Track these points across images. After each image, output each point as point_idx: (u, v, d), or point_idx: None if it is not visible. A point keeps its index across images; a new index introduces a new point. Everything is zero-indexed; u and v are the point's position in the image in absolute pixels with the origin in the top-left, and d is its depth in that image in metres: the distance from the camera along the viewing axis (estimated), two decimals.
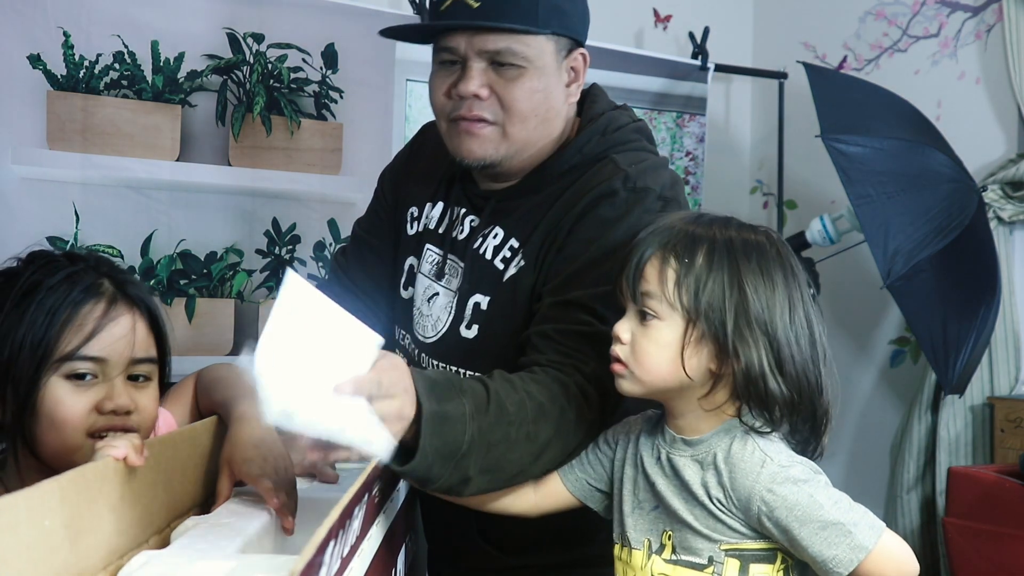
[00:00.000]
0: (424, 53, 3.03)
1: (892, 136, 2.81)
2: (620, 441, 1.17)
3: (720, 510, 1.05)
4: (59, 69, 2.41)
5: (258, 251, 2.68)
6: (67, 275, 1.07)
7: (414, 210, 1.47)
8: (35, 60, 2.38)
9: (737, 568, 1.05)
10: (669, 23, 3.64)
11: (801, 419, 1.07)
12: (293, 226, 2.72)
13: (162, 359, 1.15)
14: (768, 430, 1.06)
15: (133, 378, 1.10)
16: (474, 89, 1.26)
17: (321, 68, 2.73)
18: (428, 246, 1.42)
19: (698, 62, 3.45)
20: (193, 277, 2.59)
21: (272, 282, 2.69)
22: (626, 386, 1.09)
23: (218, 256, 2.63)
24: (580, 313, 1.19)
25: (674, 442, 1.11)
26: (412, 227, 1.47)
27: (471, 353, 1.32)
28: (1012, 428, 2.88)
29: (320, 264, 2.75)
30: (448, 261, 1.38)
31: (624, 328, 1.08)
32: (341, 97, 2.76)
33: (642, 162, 1.32)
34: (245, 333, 2.66)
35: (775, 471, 1.03)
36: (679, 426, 1.11)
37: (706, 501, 1.06)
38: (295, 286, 0.89)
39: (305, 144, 2.72)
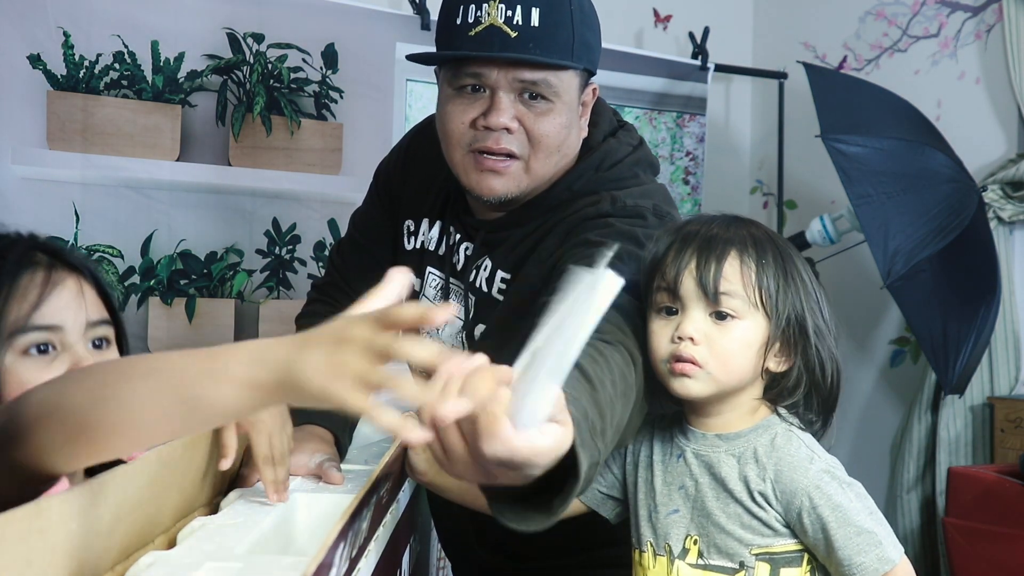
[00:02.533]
0: None
1: (892, 136, 2.81)
2: (631, 447, 1.16)
3: (760, 505, 1.05)
4: (59, 69, 2.40)
5: (258, 251, 2.68)
6: None
7: (410, 223, 1.43)
8: (35, 60, 2.38)
9: (768, 572, 1.05)
10: (669, 23, 3.64)
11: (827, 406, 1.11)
12: (293, 226, 2.72)
13: (117, 323, 1.07)
14: (803, 428, 1.09)
15: (96, 346, 1.03)
16: (506, 122, 1.21)
17: (321, 68, 2.72)
18: (430, 269, 1.39)
19: (698, 62, 3.45)
20: (193, 277, 2.59)
21: (272, 282, 2.69)
22: (696, 387, 1.06)
23: (218, 256, 2.62)
24: None
25: (704, 439, 1.10)
26: (409, 242, 1.43)
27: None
28: (1012, 428, 2.88)
29: (320, 264, 2.75)
30: (452, 287, 1.36)
31: (695, 329, 1.05)
32: (341, 97, 2.76)
33: (634, 195, 1.27)
34: (245, 333, 2.66)
35: (824, 468, 1.06)
36: (712, 424, 1.10)
37: (744, 496, 1.05)
38: (612, 287, 0.71)
39: (305, 144, 2.72)
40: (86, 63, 2.43)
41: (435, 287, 1.38)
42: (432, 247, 1.39)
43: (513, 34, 1.18)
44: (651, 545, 1.10)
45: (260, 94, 2.62)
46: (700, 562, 1.07)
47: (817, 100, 2.84)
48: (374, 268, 1.46)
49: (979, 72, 3.16)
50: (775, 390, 1.09)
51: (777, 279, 1.05)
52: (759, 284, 1.05)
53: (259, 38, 2.64)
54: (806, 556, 1.07)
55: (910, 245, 2.64)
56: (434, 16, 2.85)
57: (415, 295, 1.40)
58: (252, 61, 2.63)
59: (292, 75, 2.69)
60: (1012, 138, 3.06)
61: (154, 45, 2.52)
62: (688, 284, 1.05)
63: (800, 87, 3.15)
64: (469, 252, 1.34)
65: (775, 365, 1.07)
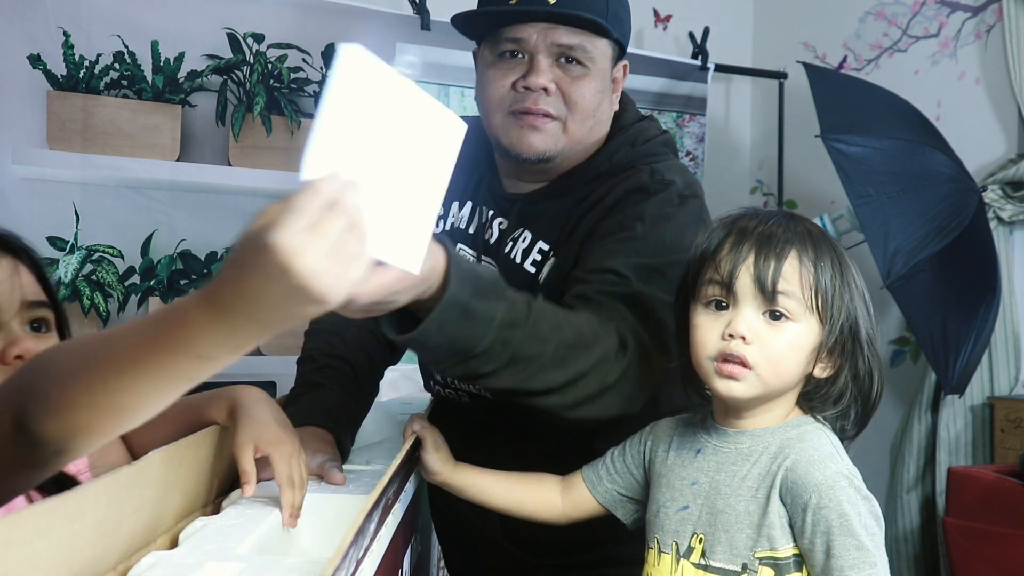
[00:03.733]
0: (423, 54, 3.02)
1: (892, 136, 2.81)
2: (649, 445, 1.15)
3: (770, 500, 1.01)
4: (59, 69, 2.40)
5: None
6: None
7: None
8: (35, 60, 2.38)
9: None
10: (669, 23, 3.65)
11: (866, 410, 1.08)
12: None
13: (57, 308, 1.04)
14: (847, 427, 1.07)
15: (34, 328, 1.00)
16: (544, 83, 1.27)
17: (321, 68, 2.72)
18: (460, 246, 1.41)
19: (698, 62, 3.45)
20: (193, 277, 2.59)
21: None
22: (741, 389, 1.02)
23: (218, 256, 2.62)
24: (615, 277, 1.18)
25: (727, 435, 1.07)
26: (437, 225, 1.45)
27: None
28: (1012, 428, 2.88)
29: None
30: (483, 264, 1.38)
31: (747, 327, 1.01)
32: None
33: (667, 168, 1.34)
34: None
35: (844, 472, 1.01)
36: (742, 423, 1.07)
37: (756, 491, 1.02)
38: (356, 61, 0.67)
39: (305, 144, 2.72)
40: (86, 63, 2.43)
41: None
42: (462, 226, 1.42)
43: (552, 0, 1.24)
44: (658, 542, 1.07)
45: (260, 94, 2.62)
46: (702, 562, 1.03)
47: (817, 100, 2.84)
48: None
49: (979, 72, 3.16)
50: (816, 396, 1.06)
51: (834, 282, 1.02)
52: (816, 286, 1.01)
53: (259, 38, 2.64)
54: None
55: (910, 245, 2.64)
56: (434, 16, 2.85)
57: None
58: (252, 61, 2.63)
59: (292, 75, 2.68)
60: (1012, 138, 3.06)
61: (154, 45, 2.52)
62: (744, 280, 1.01)
63: (800, 87, 3.15)
64: (503, 226, 1.37)
65: (820, 371, 1.04)
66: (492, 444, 1.25)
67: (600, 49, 1.29)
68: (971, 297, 2.74)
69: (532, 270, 1.32)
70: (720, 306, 1.03)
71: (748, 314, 1.01)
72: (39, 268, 1.03)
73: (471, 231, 1.41)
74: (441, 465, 1.17)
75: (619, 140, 1.35)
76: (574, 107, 1.29)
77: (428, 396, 1.55)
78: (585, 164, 1.35)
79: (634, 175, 1.29)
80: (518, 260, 1.33)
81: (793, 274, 1.01)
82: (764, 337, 1.00)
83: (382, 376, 1.47)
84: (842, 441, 1.08)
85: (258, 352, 2.67)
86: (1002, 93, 3.09)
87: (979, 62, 3.16)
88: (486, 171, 1.41)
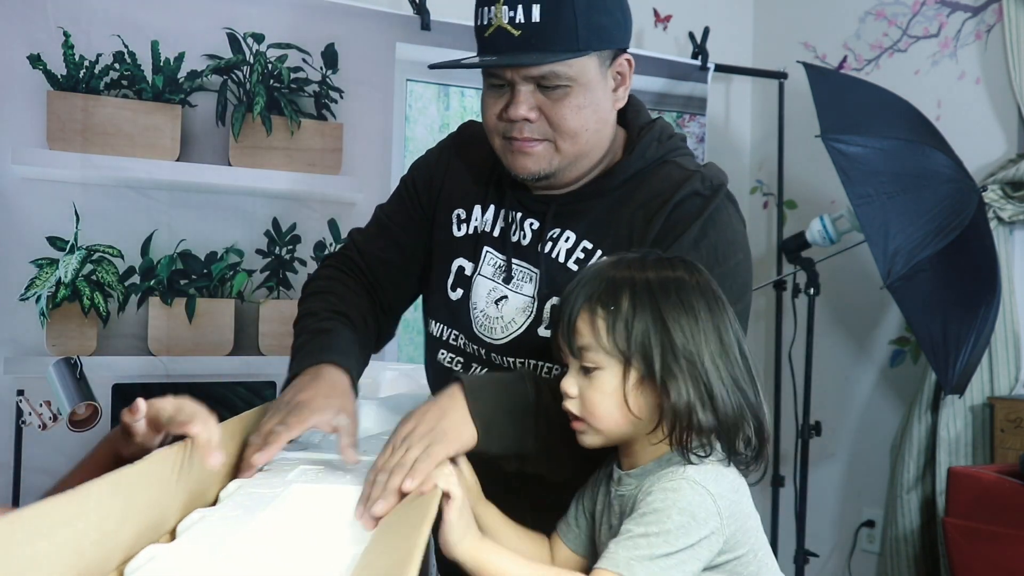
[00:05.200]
0: (423, 54, 3.03)
1: (892, 136, 2.81)
2: (589, 491, 1.20)
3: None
4: (59, 69, 2.40)
5: (258, 251, 2.68)
6: None
7: (460, 212, 1.48)
8: (35, 60, 2.38)
9: None
10: (669, 23, 3.65)
11: (740, 442, 1.08)
12: (293, 226, 2.71)
13: None
14: (703, 455, 1.07)
15: None
16: (523, 113, 1.31)
17: (321, 68, 2.72)
18: (487, 249, 1.44)
19: (698, 62, 3.45)
20: (193, 277, 2.59)
21: (272, 282, 2.69)
22: (588, 440, 1.12)
23: (218, 256, 2.62)
24: None
25: (623, 479, 1.13)
26: (460, 229, 1.48)
27: (550, 349, 1.34)
28: (1012, 428, 2.88)
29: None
30: (514, 266, 1.41)
31: (571, 384, 1.11)
32: (341, 97, 2.76)
33: (701, 164, 1.40)
34: (245, 333, 2.66)
35: (689, 482, 1.04)
36: (627, 463, 1.14)
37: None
38: None
39: (305, 144, 2.72)
40: (86, 63, 2.43)
41: (494, 266, 1.43)
42: (488, 229, 1.45)
43: (516, 33, 1.27)
44: None
45: (260, 94, 2.62)
46: None
47: (817, 100, 2.84)
48: (396, 255, 1.54)
49: (979, 72, 3.16)
50: (675, 431, 1.08)
51: (628, 321, 1.07)
52: (608, 331, 1.07)
53: (259, 38, 2.64)
54: None
55: (910, 245, 2.64)
56: (434, 16, 2.86)
57: (467, 277, 1.45)
58: (252, 61, 2.63)
59: (292, 75, 2.69)
60: (1012, 138, 3.06)
61: (154, 45, 2.52)
62: (561, 345, 1.12)
63: (800, 87, 3.15)
64: (536, 227, 1.41)
65: (639, 407, 1.08)
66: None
67: (578, 66, 1.30)
68: (971, 297, 2.74)
69: (575, 268, 1.36)
70: (565, 366, 1.14)
71: (571, 374, 1.12)
72: None
73: (496, 234, 1.44)
74: (463, 534, 1.06)
75: (649, 136, 1.40)
76: (558, 128, 1.32)
77: (426, 390, 1.54)
78: (622, 163, 1.39)
79: (680, 180, 1.34)
80: (561, 259, 1.37)
81: (585, 328, 1.09)
82: (583, 391, 1.10)
83: (379, 340, 1.54)
84: (746, 473, 1.10)
85: (258, 352, 2.67)
86: (1002, 93, 3.09)
87: (979, 62, 3.16)
88: (504, 173, 1.43)
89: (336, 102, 2.76)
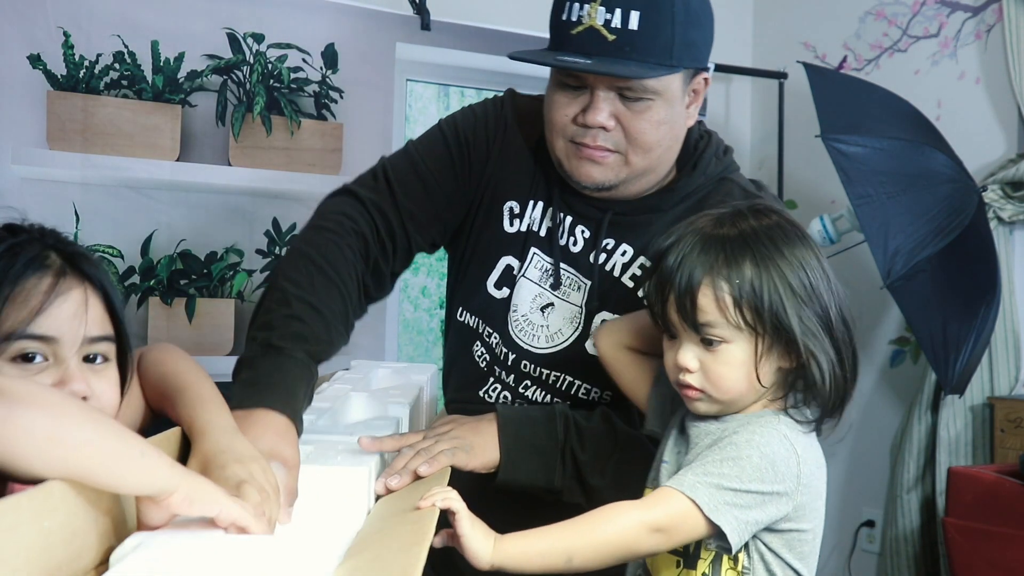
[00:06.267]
0: (423, 54, 3.02)
1: (892, 136, 2.80)
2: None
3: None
4: (59, 69, 2.40)
5: (258, 251, 2.68)
6: (8, 247, 0.95)
7: (514, 205, 1.40)
8: (35, 60, 2.38)
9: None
10: None
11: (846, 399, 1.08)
12: (293, 226, 2.72)
13: (120, 338, 1.01)
14: (802, 418, 1.07)
15: (90, 359, 0.97)
16: (602, 121, 1.24)
17: (321, 68, 2.73)
18: (535, 250, 1.38)
19: None
20: (193, 277, 2.59)
21: None
22: (703, 407, 1.09)
23: (218, 256, 2.63)
24: None
25: (703, 421, 1.11)
26: (512, 224, 1.40)
27: (595, 369, 1.30)
28: (1012, 428, 2.88)
29: None
30: (563, 272, 1.36)
31: (690, 357, 1.07)
32: (341, 97, 2.76)
33: (750, 182, 1.39)
34: (245, 333, 2.66)
35: (784, 439, 1.04)
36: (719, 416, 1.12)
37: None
38: None
39: (305, 144, 2.72)
40: (86, 63, 2.44)
41: (541, 269, 1.37)
42: (536, 229, 1.38)
43: (611, 37, 1.20)
44: None
45: (260, 94, 2.63)
46: None
47: (817, 100, 2.84)
48: (430, 202, 1.39)
49: (979, 72, 3.16)
50: (789, 391, 1.09)
51: (754, 293, 1.03)
52: (736, 306, 1.04)
53: (259, 38, 2.64)
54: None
55: (910, 245, 2.64)
56: (434, 16, 2.85)
57: (512, 277, 1.38)
58: (252, 61, 2.64)
59: (292, 75, 2.69)
60: (1012, 138, 3.06)
61: (154, 45, 2.52)
62: (674, 319, 1.07)
63: (800, 87, 3.15)
64: (587, 235, 1.35)
65: (766, 376, 1.06)
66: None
67: (665, 82, 1.24)
68: (971, 297, 2.73)
69: (631, 284, 1.32)
70: (672, 336, 1.10)
71: (688, 346, 1.07)
72: (109, 298, 1.00)
73: (543, 234, 1.38)
74: (484, 540, 1.00)
75: (709, 152, 1.37)
76: (634, 142, 1.26)
77: (417, 385, 1.49)
78: (685, 179, 1.34)
79: (738, 200, 1.28)
80: (616, 274, 1.33)
81: (709, 304, 1.04)
82: (706, 363, 1.06)
83: (367, 301, 1.38)
84: (819, 432, 1.10)
85: None
86: (1002, 93, 3.08)
87: (979, 62, 3.16)
88: (551, 169, 1.36)
89: (336, 102, 2.76)
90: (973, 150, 2.98)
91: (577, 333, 1.34)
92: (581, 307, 1.34)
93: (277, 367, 1.18)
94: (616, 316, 1.31)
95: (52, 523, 0.70)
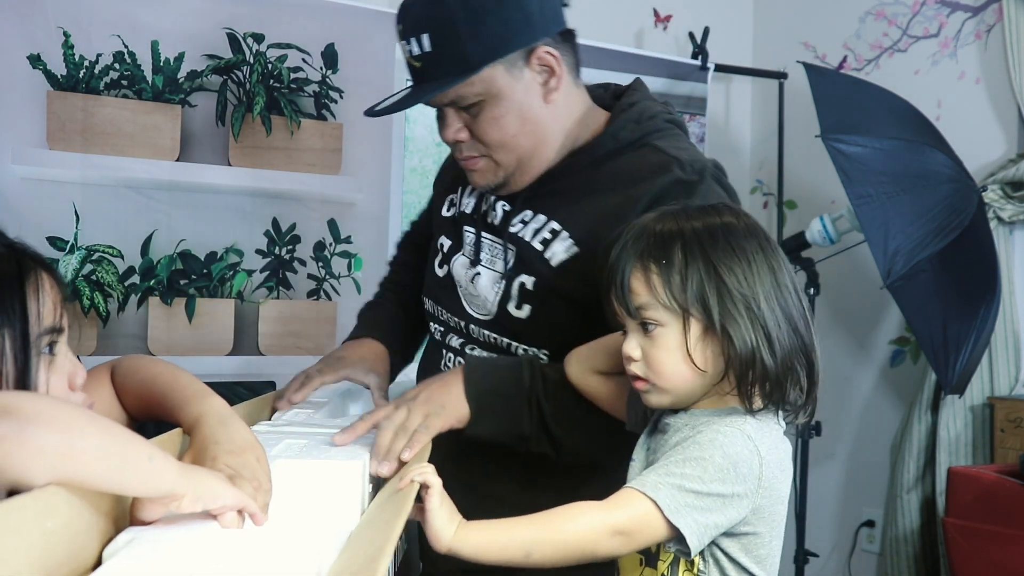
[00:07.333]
0: None
1: (892, 136, 2.80)
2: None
3: None
4: (59, 69, 2.41)
5: (258, 251, 2.68)
6: None
7: (453, 196, 1.54)
8: (35, 60, 2.38)
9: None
10: (669, 23, 3.64)
11: (792, 389, 1.07)
12: (293, 226, 2.72)
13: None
14: (761, 407, 1.07)
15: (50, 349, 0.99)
16: (451, 136, 1.35)
17: (321, 68, 2.73)
18: (465, 227, 1.48)
19: (698, 62, 3.45)
20: (193, 277, 2.59)
21: (272, 282, 2.69)
22: (653, 399, 1.10)
23: (218, 256, 2.63)
24: None
25: (669, 426, 1.11)
26: (448, 210, 1.53)
27: (524, 331, 1.38)
28: (1012, 428, 2.88)
29: (320, 264, 2.75)
30: (483, 241, 1.43)
31: (633, 346, 1.09)
32: (341, 97, 2.76)
33: (684, 147, 1.37)
34: (245, 333, 2.66)
35: (741, 435, 1.04)
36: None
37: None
38: None
39: (305, 144, 2.72)
40: (86, 63, 2.44)
41: (470, 243, 1.46)
42: (468, 210, 1.49)
43: (418, 65, 1.30)
44: None
45: (260, 94, 2.62)
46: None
47: (817, 100, 2.84)
48: (418, 259, 1.63)
49: (979, 72, 3.16)
50: (742, 385, 1.07)
51: (682, 272, 1.05)
52: (666, 285, 1.05)
53: (259, 38, 2.64)
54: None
55: (910, 245, 2.64)
56: None
57: (447, 255, 1.50)
58: (252, 61, 2.64)
59: (292, 75, 2.69)
60: (1012, 138, 3.06)
61: (154, 45, 2.52)
62: (618, 309, 1.10)
63: (800, 87, 3.15)
64: (507, 208, 1.42)
65: (705, 361, 1.06)
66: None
67: (481, 80, 1.29)
68: (971, 297, 2.74)
69: (540, 247, 1.36)
70: (624, 331, 1.12)
71: (632, 335, 1.10)
72: (60, 282, 1.02)
73: (469, 211, 1.48)
74: (448, 521, 1.02)
75: (623, 119, 1.39)
76: (486, 143, 1.34)
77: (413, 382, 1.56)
78: (590, 145, 1.39)
79: (657, 166, 1.32)
80: (527, 238, 1.38)
81: (640, 286, 1.07)
82: (646, 350, 1.08)
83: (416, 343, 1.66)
84: (797, 422, 1.11)
85: (258, 352, 2.68)
86: (1002, 93, 3.08)
87: (979, 62, 3.16)
88: None
89: (336, 102, 2.76)
90: (973, 150, 2.98)
91: (499, 297, 1.40)
92: (503, 273, 1.40)
93: (377, 314, 1.63)
94: (532, 278, 1.37)
95: (54, 524, 0.71)
